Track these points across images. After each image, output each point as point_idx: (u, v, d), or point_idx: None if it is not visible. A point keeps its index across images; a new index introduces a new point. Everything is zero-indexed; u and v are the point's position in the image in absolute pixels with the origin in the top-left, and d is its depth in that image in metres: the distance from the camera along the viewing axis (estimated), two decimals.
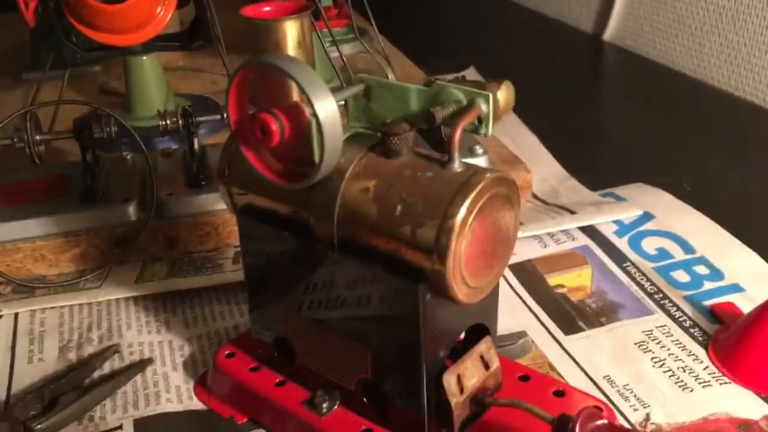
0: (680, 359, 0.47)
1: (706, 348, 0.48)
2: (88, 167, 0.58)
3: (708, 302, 0.52)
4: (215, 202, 0.59)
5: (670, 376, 0.45)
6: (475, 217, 0.32)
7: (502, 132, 0.77)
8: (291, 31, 0.35)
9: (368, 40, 0.92)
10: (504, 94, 0.36)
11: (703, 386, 0.44)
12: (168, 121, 0.60)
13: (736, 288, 0.53)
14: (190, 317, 0.51)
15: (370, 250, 0.34)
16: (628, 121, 0.88)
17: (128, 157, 0.65)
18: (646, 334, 0.49)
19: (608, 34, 1.15)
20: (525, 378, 0.40)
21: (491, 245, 0.34)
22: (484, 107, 0.34)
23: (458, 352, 0.37)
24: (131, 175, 0.63)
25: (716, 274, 0.55)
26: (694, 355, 0.47)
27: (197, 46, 0.74)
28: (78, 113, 0.79)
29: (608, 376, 0.46)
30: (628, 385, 0.45)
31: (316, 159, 0.34)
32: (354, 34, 0.81)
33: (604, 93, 1.04)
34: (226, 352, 0.43)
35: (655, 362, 0.47)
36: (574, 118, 0.88)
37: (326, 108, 0.32)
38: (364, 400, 0.38)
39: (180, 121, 0.60)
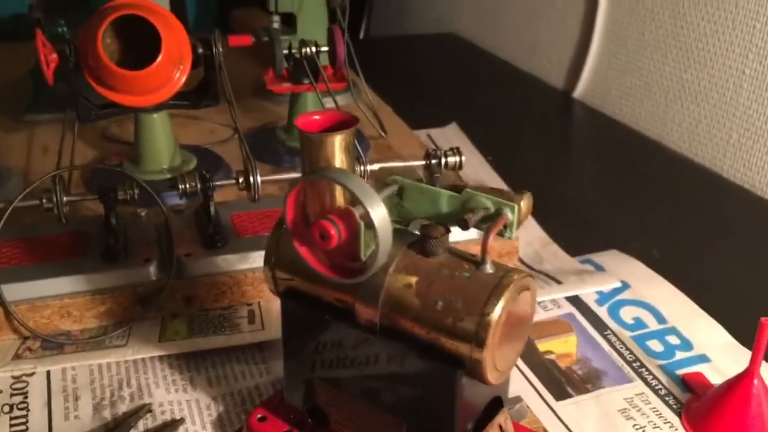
0: (658, 427, 0.54)
1: (680, 416, 0.55)
2: (110, 228, 0.62)
3: (680, 371, 0.59)
4: (231, 264, 0.64)
5: None
6: (506, 312, 0.38)
7: None
8: (341, 143, 0.41)
9: (357, 92, 0.99)
10: (525, 203, 0.42)
11: None
12: (187, 186, 0.65)
13: (703, 358, 0.61)
14: (213, 376, 0.56)
15: (411, 337, 0.40)
16: (596, 183, 0.96)
17: (143, 214, 0.69)
18: (627, 401, 0.56)
19: (578, 93, 1.24)
20: None
21: (514, 330, 0.40)
22: (510, 215, 0.41)
23: (479, 422, 0.43)
24: (147, 230, 0.67)
25: (686, 344, 0.62)
26: (669, 422, 0.54)
27: (204, 105, 0.79)
28: (83, 157, 0.84)
29: None
30: None
31: (363, 257, 0.39)
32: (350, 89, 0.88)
33: (573, 153, 1.13)
34: (259, 415, 0.48)
35: (636, 429, 0.53)
36: (547, 179, 0.95)
37: (380, 214, 0.38)
38: None
39: (198, 185, 0.65)
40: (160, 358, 0.57)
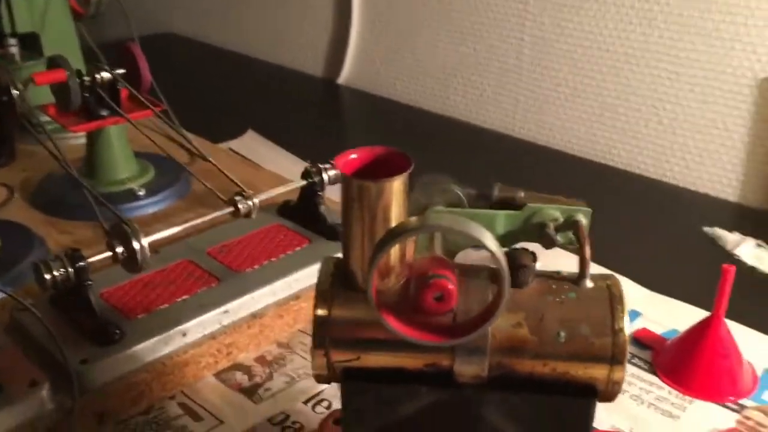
0: (645, 389, 0.56)
1: (655, 373, 0.58)
2: None
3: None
4: (144, 355, 0.52)
5: (655, 410, 0.54)
6: None
7: None
8: (400, 187, 0.35)
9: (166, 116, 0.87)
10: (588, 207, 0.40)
11: (683, 408, 0.54)
12: (56, 273, 0.50)
13: (635, 314, 0.65)
14: None
15: (529, 379, 0.36)
16: None
17: None
18: None
19: (343, 79, 1.24)
20: None
21: None
22: (584, 221, 0.38)
23: None
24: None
25: None
26: (650, 381, 0.57)
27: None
28: None
29: (614, 425, 0.52)
30: (633, 429, 0.52)
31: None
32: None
33: (348, 132, 1.12)
34: None
35: (632, 397, 0.55)
36: None
37: (504, 261, 0.32)
38: None
39: (68, 267, 0.51)
40: None
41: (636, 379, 0.57)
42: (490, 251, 0.32)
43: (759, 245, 0.74)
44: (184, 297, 0.57)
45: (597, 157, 0.96)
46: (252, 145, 0.94)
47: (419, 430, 0.37)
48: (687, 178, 0.89)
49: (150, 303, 0.56)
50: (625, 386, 0.55)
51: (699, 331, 0.57)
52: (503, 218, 0.38)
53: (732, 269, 0.54)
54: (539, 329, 0.35)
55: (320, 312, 0.36)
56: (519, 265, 0.36)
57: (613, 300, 0.36)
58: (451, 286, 0.32)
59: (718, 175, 0.86)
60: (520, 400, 0.36)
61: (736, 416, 0.53)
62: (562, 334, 0.35)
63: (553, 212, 0.38)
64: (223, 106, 1.15)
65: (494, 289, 0.36)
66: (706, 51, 0.84)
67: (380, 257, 0.32)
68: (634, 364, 0.59)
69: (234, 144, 0.97)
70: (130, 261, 0.53)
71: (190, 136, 0.79)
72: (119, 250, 0.53)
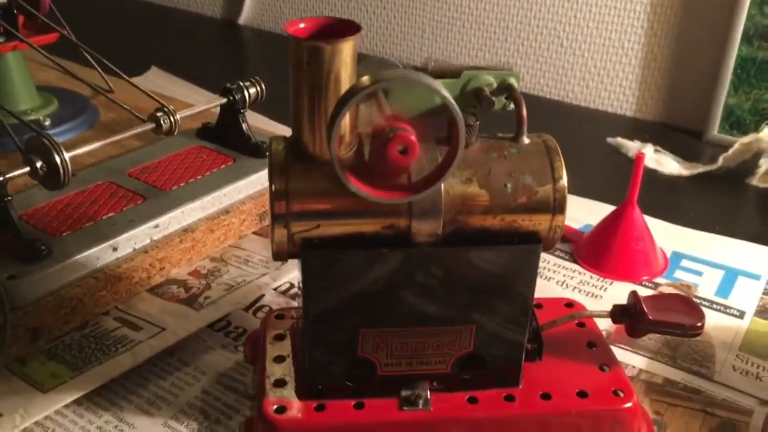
0: (570, 276, 0.61)
1: (577, 263, 0.62)
2: None
3: None
4: (74, 270, 0.51)
5: (579, 292, 0.59)
6: None
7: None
8: (352, 49, 0.36)
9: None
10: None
11: (604, 289, 0.59)
12: None
13: None
14: (144, 402, 0.45)
15: (480, 233, 0.39)
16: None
17: None
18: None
19: (243, 19, 1.23)
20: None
21: None
22: (516, 84, 0.41)
23: None
24: None
25: None
26: (573, 269, 0.61)
27: None
28: None
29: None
30: None
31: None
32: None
33: (253, 71, 1.12)
34: (274, 407, 0.41)
35: (559, 284, 0.60)
36: None
37: (460, 113, 0.35)
38: (462, 375, 0.42)
39: None
40: (62, 412, 0.44)
41: (560, 268, 0.62)
42: (446, 100, 0.34)
43: (657, 150, 0.81)
44: (110, 214, 0.56)
45: None
46: (157, 81, 0.92)
47: (378, 295, 0.39)
48: (587, 96, 0.94)
49: (74, 222, 0.55)
50: (550, 274, 0.60)
51: (614, 218, 0.62)
52: (443, 85, 0.41)
53: (643, 156, 0.60)
54: (488, 182, 0.38)
55: (278, 186, 0.38)
56: (465, 124, 0.39)
57: (551, 152, 0.39)
58: (413, 137, 0.34)
59: (616, 92, 0.93)
60: (473, 253, 0.39)
61: (651, 293, 0.59)
62: (509, 185, 0.38)
63: (488, 77, 0.41)
64: (122, 48, 1.11)
65: (442, 150, 0.39)
66: None
67: (341, 117, 0.34)
68: (557, 256, 0.63)
69: (138, 81, 0.94)
70: (51, 177, 0.52)
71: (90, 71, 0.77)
72: (39, 164, 0.52)
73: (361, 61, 0.41)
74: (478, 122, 0.40)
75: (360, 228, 0.38)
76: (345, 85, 0.37)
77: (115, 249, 0.54)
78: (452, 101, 0.34)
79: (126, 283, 0.54)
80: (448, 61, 0.41)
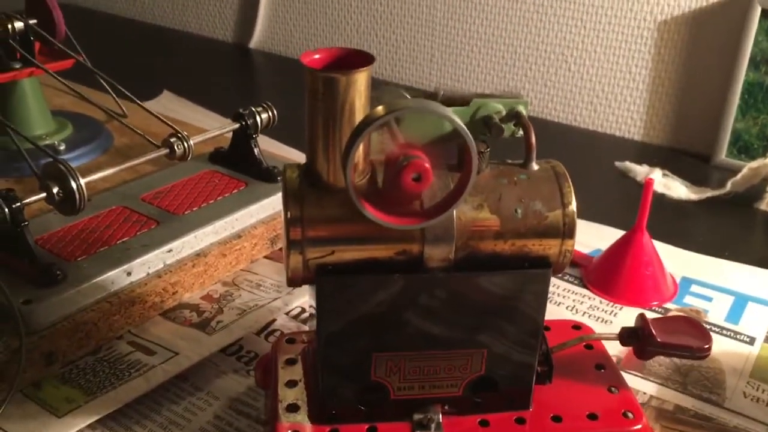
0: (579, 300, 0.61)
1: (587, 288, 0.63)
2: None
3: None
4: (89, 295, 0.52)
5: (589, 317, 0.59)
6: None
7: None
8: (367, 80, 0.38)
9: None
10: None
11: (614, 315, 0.60)
12: None
13: None
14: (158, 428, 0.46)
15: (491, 258, 0.39)
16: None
17: None
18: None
19: (254, 43, 1.25)
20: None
21: None
22: (524, 112, 0.42)
23: None
24: None
25: None
26: (583, 294, 0.62)
27: None
28: None
29: None
30: None
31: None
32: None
33: (263, 95, 1.14)
34: (290, 431, 0.42)
35: (569, 309, 0.60)
36: None
37: (473, 141, 0.36)
38: (474, 398, 0.42)
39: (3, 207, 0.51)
40: None
41: (570, 293, 0.62)
42: (459, 127, 0.35)
43: (665, 175, 0.81)
44: (124, 239, 0.57)
45: None
46: (169, 105, 0.93)
47: (390, 319, 0.40)
48: (595, 120, 0.96)
49: (89, 246, 0.56)
50: (560, 299, 0.61)
51: (623, 243, 0.63)
52: (454, 113, 0.42)
53: (652, 181, 0.60)
54: (498, 208, 0.39)
55: (293, 213, 0.39)
56: (476, 152, 0.40)
57: (560, 178, 0.41)
58: (427, 165, 0.35)
59: (623, 116, 0.94)
60: (484, 278, 0.40)
61: None
62: (519, 210, 0.39)
63: (497, 105, 0.42)
64: (134, 72, 1.13)
65: (453, 176, 0.40)
66: None
67: (357, 146, 0.35)
68: (567, 281, 0.64)
69: (150, 105, 0.95)
70: (67, 202, 0.53)
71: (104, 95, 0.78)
72: (55, 190, 0.53)
73: (374, 89, 0.42)
74: (488, 149, 0.41)
75: (373, 254, 0.39)
76: (359, 114, 0.38)
77: (129, 273, 0.55)
78: (465, 129, 0.35)
79: (139, 308, 0.54)
80: (458, 89, 0.42)
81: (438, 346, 0.41)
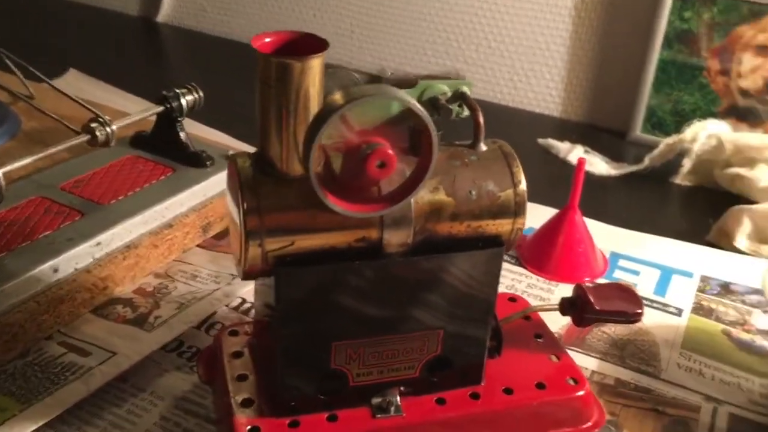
0: (521, 281, 0.63)
1: (524, 266, 0.65)
2: None
3: None
4: (14, 294, 0.50)
5: (528, 295, 0.61)
6: None
7: None
8: (321, 66, 0.37)
9: None
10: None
11: (551, 291, 0.62)
12: None
13: None
14: None
15: (448, 240, 0.40)
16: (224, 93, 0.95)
17: None
18: None
19: (162, 17, 1.20)
20: None
21: None
22: (468, 92, 0.43)
23: None
24: None
25: None
26: (519, 272, 0.64)
27: None
28: None
29: None
30: None
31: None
32: None
33: (175, 71, 1.10)
34: (248, 427, 0.41)
35: (508, 288, 0.62)
36: None
37: (433, 126, 0.36)
38: (430, 378, 0.43)
39: None
40: None
41: (508, 272, 0.64)
42: (419, 112, 0.36)
43: (587, 151, 0.85)
44: (47, 233, 0.55)
45: None
46: (78, 85, 0.89)
47: (350, 307, 0.40)
48: (515, 98, 0.98)
49: (8, 242, 0.53)
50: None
51: (557, 222, 0.65)
52: None
53: (584, 161, 0.63)
54: (454, 190, 0.40)
55: (250, 203, 0.38)
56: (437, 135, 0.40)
57: (508, 158, 0.42)
58: (391, 152, 0.36)
59: (543, 93, 0.97)
60: (441, 260, 0.40)
61: None
62: (473, 192, 0.40)
63: (442, 86, 0.43)
64: (35, 50, 1.07)
65: (408, 160, 0.40)
66: None
67: (321, 135, 0.35)
68: (504, 260, 0.65)
69: (56, 84, 0.91)
70: None
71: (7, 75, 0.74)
72: None
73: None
74: (441, 132, 0.41)
75: (332, 242, 0.39)
76: (314, 101, 0.38)
77: (55, 270, 0.52)
78: (426, 114, 0.36)
79: (69, 306, 0.52)
80: (401, 69, 0.42)
81: (396, 330, 0.42)
